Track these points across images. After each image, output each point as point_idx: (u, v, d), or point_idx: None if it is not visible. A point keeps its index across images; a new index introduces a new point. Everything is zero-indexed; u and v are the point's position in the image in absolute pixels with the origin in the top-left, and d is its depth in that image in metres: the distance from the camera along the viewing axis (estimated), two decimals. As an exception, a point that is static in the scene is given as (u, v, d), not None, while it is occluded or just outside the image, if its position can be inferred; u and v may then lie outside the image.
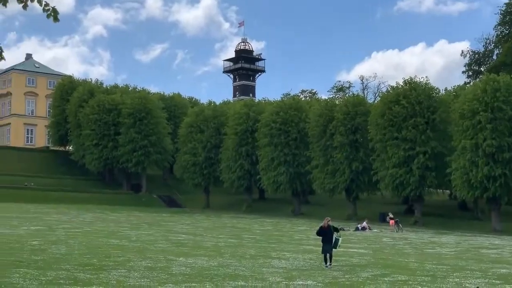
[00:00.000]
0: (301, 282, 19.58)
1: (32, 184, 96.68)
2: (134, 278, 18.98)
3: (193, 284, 18.11)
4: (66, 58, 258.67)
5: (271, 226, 61.53)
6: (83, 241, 33.01)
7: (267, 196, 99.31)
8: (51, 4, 10.33)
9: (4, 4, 10.08)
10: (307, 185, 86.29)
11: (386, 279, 21.39)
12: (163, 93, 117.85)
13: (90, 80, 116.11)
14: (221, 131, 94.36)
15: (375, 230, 59.28)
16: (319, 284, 19.21)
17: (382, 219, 71.78)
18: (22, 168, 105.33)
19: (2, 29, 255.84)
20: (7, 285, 16.31)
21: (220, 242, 37.45)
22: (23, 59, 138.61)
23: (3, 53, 10.88)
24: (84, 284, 17.01)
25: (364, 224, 60.18)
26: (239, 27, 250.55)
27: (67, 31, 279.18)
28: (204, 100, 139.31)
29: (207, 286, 17.79)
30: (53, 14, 10.41)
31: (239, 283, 18.71)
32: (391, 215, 64.62)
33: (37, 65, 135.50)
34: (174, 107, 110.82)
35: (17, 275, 18.19)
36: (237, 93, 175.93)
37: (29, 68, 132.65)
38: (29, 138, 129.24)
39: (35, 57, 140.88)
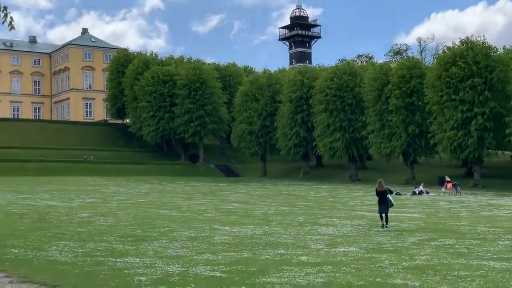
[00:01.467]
0: (343, 249, 19.11)
1: (91, 157, 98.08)
2: (172, 248, 18.80)
3: (230, 253, 17.81)
4: (125, 32, 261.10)
5: (327, 192, 61.07)
6: (132, 212, 33.14)
7: (324, 162, 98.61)
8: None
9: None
10: (364, 151, 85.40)
11: (432, 243, 20.74)
12: (218, 63, 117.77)
13: (145, 52, 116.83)
14: (276, 99, 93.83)
15: (432, 194, 58.24)
16: (361, 251, 18.71)
17: (441, 182, 70.40)
18: (82, 142, 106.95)
19: (63, 5, 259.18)
20: (41, 258, 16.29)
21: (271, 210, 37.18)
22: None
23: (12, 22, 10.59)
24: (120, 255, 16.88)
25: (421, 188, 59.17)
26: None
27: (125, 4, 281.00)
28: (260, 68, 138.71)
29: (244, 255, 17.47)
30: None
31: (279, 251, 18.35)
32: (448, 178, 63.35)
33: (93, 40, 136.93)
34: (229, 77, 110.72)
35: (55, 247, 18.19)
36: (293, 60, 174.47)
37: (85, 43, 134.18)
38: (88, 112, 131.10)
39: (94, 33, 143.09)
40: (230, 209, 37.17)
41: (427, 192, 58.21)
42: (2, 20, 10.46)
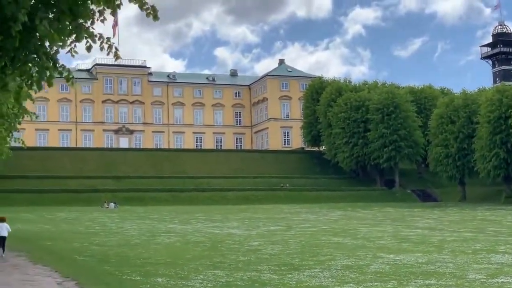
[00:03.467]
0: (504, 280, 17.69)
1: (288, 185, 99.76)
2: (320, 277, 18.40)
3: (375, 283, 17.10)
4: (328, 61, 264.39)
5: (526, 217, 57.31)
6: (304, 240, 33.05)
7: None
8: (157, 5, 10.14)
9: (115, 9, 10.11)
10: None
11: None
12: (414, 85, 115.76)
13: (338, 79, 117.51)
14: (473, 120, 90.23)
15: None
16: (522, 282, 17.21)
17: None
18: (279, 170, 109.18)
19: (270, 38, 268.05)
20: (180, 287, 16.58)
21: (452, 236, 35.49)
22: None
23: (118, 52, 10.94)
24: (260, 285, 16.79)
25: None
26: (495, 9, 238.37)
27: (328, 34, 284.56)
28: (457, 89, 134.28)
29: (389, 286, 16.70)
30: (153, 12, 10.22)
31: (429, 281, 17.34)
32: None
33: (289, 69, 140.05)
34: (424, 99, 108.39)
35: (202, 277, 18.43)
36: (497, 79, 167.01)
37: (282, 73, 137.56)
38: (286, 140, 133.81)
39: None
40: (408, 236, 35.96)
41: None
42: (107, 52, 10.83)
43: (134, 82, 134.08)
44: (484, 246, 28.90)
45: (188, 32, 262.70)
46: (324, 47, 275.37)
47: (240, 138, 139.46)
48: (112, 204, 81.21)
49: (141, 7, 10.25)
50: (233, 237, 35.94)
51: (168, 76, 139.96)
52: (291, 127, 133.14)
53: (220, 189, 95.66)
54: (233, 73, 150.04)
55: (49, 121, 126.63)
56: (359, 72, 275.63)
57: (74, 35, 10.11)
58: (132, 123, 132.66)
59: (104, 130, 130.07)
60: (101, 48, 10.52)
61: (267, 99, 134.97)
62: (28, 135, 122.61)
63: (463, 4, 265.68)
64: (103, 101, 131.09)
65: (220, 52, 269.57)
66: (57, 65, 10.56)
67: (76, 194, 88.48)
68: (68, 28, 9.86)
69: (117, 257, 24.00)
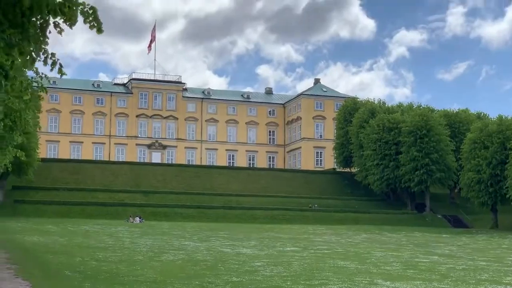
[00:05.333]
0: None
1: (316, 205, 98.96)
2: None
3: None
4: (371, 82, 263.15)
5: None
6: (309, 263, 32.42)
7: None
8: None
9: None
10: None
11: None
12: (449, 109, 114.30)
13: (372, 100, 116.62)
14: (506, 146, 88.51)
15: None
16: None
17: None
18: (309, 190, 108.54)
19: (314, 58, 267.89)
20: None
21: (465, 265, 34.50)
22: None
23: (62, 69, 10.69)
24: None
25: None
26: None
27: (372, 55, 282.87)
28: (494, 114, 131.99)
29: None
30: (96, 25, 9.94)
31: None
32: None
33: (324, 89, 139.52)
34: (459, 124, 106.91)
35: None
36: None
37: (317, 93, 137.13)
38: (318, 160, 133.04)
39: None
40: (419, 263, 35.04)
41: None
42: (51, 68, 10.58)
43: (168, 97, 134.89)
44: (491, 276, 27.95)
45: (231, 50, 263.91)
46: (367, 68, 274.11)
47: (273, 157, 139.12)
48: (137, 219, 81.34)
49: (85, 20, 9.93)
50: (239, 256, 35.44)
51: (203, 92, 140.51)
52: (324, 147, 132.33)
53: (249, 207, 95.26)
54: (268, 91, 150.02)
55: (84, 134, 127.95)
56: (402, 94, 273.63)
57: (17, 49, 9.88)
58: (165, 138, 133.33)
59: (137, 144, 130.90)
60: (45, 63, 10.28)
61: (300, 118, 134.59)
62: (62, 147, 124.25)
63: (509, 29, 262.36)
64: (137, 116, 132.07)
65: (262, 70, 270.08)
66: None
67: (104, 208, 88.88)
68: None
69: (107, 274, 23.68)
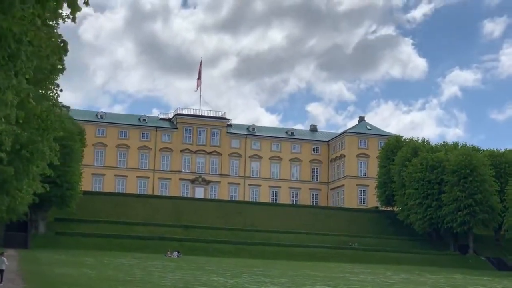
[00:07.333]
0: None
1: (356, 244, 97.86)
2: None
3: None
4: (422, 122, 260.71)
5: None
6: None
7: None
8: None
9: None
10: None
11: None
12: (495, 149, 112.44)
13: (416, 139, 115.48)
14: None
15: None
16: None
17: None
18: (350, 229, 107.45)
19: (365, 96, 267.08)
20: None
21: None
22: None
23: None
24: None
25: None
26: None
27: (423, 94, 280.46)
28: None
29: None
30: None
31: None
32: None
33: (369, 127, 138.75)
34: (505, 164, 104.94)
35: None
36: None
37: (361, 130, 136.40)
38: (361, 199, 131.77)
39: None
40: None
41: None
42: None
43: (213, 133, 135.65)
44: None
45: (283, 87, 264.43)
46: (419, 107, 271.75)
47: (316, 194, 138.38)
48: (175, 253, 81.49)
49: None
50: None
51: (247, 128, 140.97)
52: (367, 186, 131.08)
53: (288, 244, 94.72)
54: (313, 129, 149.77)
55: (128, 167, 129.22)
56: (454, 135, 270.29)
57: None
58: (209, 173, 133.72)
59: (180, 179, 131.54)
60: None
61: (344, 156, 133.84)
62: (107, 180, 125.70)
63: None
64: (182, 150, 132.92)
65: (313, 108, 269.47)
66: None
67: (144, 241, 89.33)
68: None
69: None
